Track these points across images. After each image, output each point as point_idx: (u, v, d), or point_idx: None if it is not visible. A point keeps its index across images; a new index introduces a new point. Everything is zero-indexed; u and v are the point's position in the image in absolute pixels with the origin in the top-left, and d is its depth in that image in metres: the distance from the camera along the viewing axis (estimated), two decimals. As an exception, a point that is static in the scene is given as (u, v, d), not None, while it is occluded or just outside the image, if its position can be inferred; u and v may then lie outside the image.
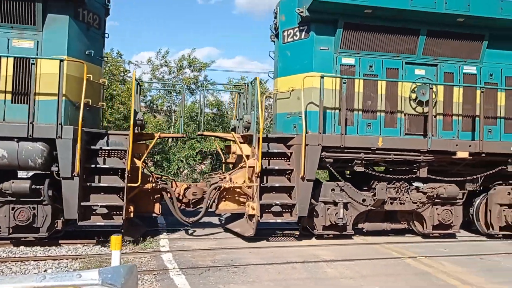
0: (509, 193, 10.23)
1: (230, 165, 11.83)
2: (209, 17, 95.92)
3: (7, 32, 8.27)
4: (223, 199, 9.72)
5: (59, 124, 7.94)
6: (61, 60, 8.03)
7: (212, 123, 19.93)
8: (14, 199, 8.06)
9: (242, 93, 10.95)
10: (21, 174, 8.94)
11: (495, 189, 10.30)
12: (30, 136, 7.81)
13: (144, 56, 32.34)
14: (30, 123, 7.86)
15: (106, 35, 9.64)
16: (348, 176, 11.13)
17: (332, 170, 9.22)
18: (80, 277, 3.64)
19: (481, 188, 10.40)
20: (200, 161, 19.63)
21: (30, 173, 8.88)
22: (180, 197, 9.53)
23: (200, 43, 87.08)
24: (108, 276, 3.75)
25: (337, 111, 9.51)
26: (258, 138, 8.87)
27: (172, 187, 9.45)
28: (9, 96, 8.20)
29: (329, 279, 6.80)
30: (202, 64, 21.71)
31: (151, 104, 21.35)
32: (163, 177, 9.78)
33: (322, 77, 9.04)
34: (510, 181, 10.35)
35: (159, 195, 9.30)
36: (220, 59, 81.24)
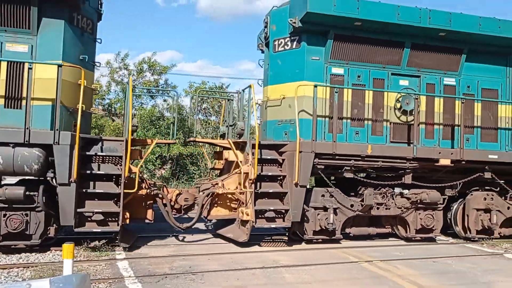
0: (485, 199, 10.81)
1: (217, 171, 11.95)
2: (171, 21, 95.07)
3: (1, 35, 8.13)
4: (215, 205, 9.83)
5: (57, 129, 7.85)
6: (59, 66, 7.95)
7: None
8: (6, 205, 7.89)
9: (232, 100, 11.09)
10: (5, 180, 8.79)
11: (472, 194, 10.86)
12: (26, 141, 7.69)
13: (102, 58, 31.81)
14: (27, 128, 7.74)
15: (99, 40, 9.59)
16: (333, 182, 11.46)
17: (324, 176, 9.49)
18: (30, 287, 3.68)
19: (458, 194, 10.94)
20: (159, 165, 19.51)
21: (12, 179, 8.69)
22: (172, 203, 9.56)
23: (162, 47, 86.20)
24: (60, 285, 3.81)
25: (327, 119, 9.83)
26: (254, 144, 9.05)
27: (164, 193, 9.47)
28: (2, 101, 8.04)
29: (288, 284, 6.82)
30: (162, 68, 21.60)
31: (109, 108, 21.07)
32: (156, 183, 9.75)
33: (315, 86, 9.33)
34: (486, 187, 10.94)
35: (151, 201, 9.30)
36: (182, 63, 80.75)
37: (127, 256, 8.11)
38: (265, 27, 10.81)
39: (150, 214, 9.25)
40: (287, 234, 10.54)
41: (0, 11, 8.05)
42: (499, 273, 7.89)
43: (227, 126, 11.11)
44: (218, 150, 11.64)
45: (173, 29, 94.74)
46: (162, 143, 11.15)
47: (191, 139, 10.79)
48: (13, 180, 8.78)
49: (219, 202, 9.86)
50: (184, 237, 10.12)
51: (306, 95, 9.63)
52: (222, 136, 11.18)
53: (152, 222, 9.33)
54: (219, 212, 9.89)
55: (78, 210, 8.01)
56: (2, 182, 8.70)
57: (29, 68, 7.84)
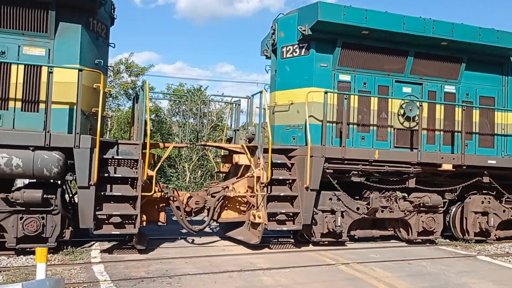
0: (482, 202, 11.24)
1: (222, 174, 12.12)
2: (149, 21, 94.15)
3: (18, 39, 8.17)
4: (225, 208, 10.00)
5: (77, 133, 7.92)
6: (80, 70, 8.03)
7: (151, 129, 19.59)
8: (23, 208, 7.92)
9: (239, 104, 11.28)
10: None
11: (470, 198, 11.26)
12: (47, 145, 7.74)
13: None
14: (47, 131, 7.79)
15: (112, 45, 9.68)
16: (336, 185, 11.74)
17: (332, 180, 9.75)
18: None
19: (457, 198, 11.34)
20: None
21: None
22: (183, 206, 9.68)
23: (139, 47, 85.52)
24: None
25: (334, 124, 10.11)
26: (266, 149, 9.28)
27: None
28: (19, 104, 8.09)
29: (265, 287, 6.86)
30: (140, 69, 21.54)
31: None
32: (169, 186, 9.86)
33: (325, 92, 9.59)
34: (484, 191, 11.37)
35: (164, 204, 9.42)
36: (160, 64, 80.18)
37: (103, 260, 8.01)
38: (273, 33, 11.03)
39: (162, 216, 9.37)
40: (291, 236, 10.79)
41: (18, 15, 8.09)
42: (472, 275, 8.07)
43: (234, 130, 11.29)
44: (223, 153, 11.78)
45: (150, 29, 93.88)
46: (179, 146, 11.23)
47: (202, 143, 10.93)
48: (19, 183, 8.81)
49: (229, 205, 10.04)
50: (193, 240, 10.26)
51: (315, 101, 9.89)
52: (229, 140, 11.35)
53: (165, 224, 9.45)
54: (229, 215, 10.06)
55: (97, 212, 8.09)
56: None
57: (49, 72, 7.88)
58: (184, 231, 11.00)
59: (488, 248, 10.76)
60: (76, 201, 8.89)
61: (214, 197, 10.01)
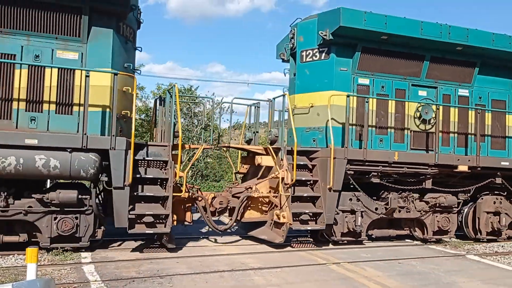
0: (494, 202, 11.57)
1: (240, 175, 12.35)
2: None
3: (51, 42, 8.35)
4: (248, 208, 10.24)
5: (113, 135, 8.12)
6: (115, 74, 8.23)
7: (140, 129, 19.53)
8: (58, 209, 8.11)
9: (259, 107, 11.52)
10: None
11: (482, 198, 11.59)
12: (84, 147, 7.93)
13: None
14: (84, 134, 7.98)
15: (139, 48, 9.88)
16: (351, 186, 12.01)
17: (353, 181, 10.02)
18: None
19: (469, 198, 11.66)
20: None
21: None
22: (207, 206, 9.90)
23: None
24: None
25: (353, 127, 10.39)
26: (288, 151, 9.53)
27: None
28: (53, 107, 8.27)
29: (256, 286, 6.87)
30: None
31: None
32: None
33: (348, 96, 9.87)
34: (495, 192, 11.70)
35: (189, 204, 9.64)
36: (151, 64, 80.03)
37: (93, 260, 8.01)
38: (292, 38, 11.28)
39: (189, 216, 9.58)
40: (308, 235, 11.05)
41: (52, 19, 8.28)
42: (461, 274, 8.17)
43: (253, 132, 11.52)
44: (241, 155, 12.01)
45: (141, 29, 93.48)
46: (209, 148, 11.45)
47: (225, 144, 11.16)
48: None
49: (251, 205, 10.28)
50: (216, 239, 10.48)
51: (335, 104, 10.15)
52: (248, 142, 11.58)
53: (191, 224, 9.66)
54: (251, 215, 10.29)
55: (131, 212, 8.30)
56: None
57: (86, 76, 8.07)
58: (205, 230, 11.27)
59: (477, 247, 10.95)
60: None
61: (237, 197, 10.25)
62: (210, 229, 11.18)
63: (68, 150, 7.88)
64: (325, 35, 10.22)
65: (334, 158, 9.57)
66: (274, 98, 11.03)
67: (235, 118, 36.80)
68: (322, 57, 10.60)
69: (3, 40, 8.06)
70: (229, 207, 10.17)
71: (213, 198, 10.00)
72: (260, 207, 10.39)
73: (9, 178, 7.74)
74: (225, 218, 11.64)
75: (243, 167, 11.99)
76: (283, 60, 12.19)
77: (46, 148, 7.80)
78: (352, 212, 10.16)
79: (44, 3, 8.16)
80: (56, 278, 6.65)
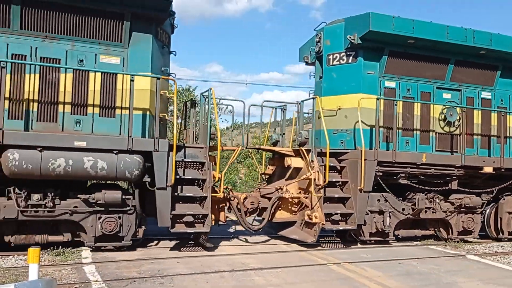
0: (516, 203, 11.82)
1: (265, 176, 12.60)
2: None
3: (95, 47, 8.61)
4: (279, 208, 10.49)
5: (156, 137, 8.38)
6: (158, 78, 8.49)
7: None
8: (103, 209, 8.36)
9: (285, 109, 11.78)
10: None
11: (504, 199, 11.83)
12: (129, 149, 8.18)
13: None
14: (130, 136, 8.23)
15: (174, 53, 10.14)
16: (385, 187, 12.16)
17: (382, 183, 10.27)
18: None
19: (492, 199, 11.90)
20: None
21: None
22: (241, 206, 10.15)
23: None
24: None
25: (381, 129, 10.63)
26: (319, 152, 9.79)
27: (231, 196, 10.06)
28: (97, 110, 8.53)
29: (257, 286, 6.88)
30: None
31: None
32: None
33: (377, 99, 10.13)
34: None
35: (223, 204, 9.89)
36: None
37: (94, 260, 8.02)
38: (318, 42, 11.54)
39: (223, 216, 9.83)
40: (334, 236, 11.30)
41: (95, 25, 8.54)
42: (461, 274, 8.17)
43: (280, 134, 11.79)
44: (263, 156, 12.25)
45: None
46: (251, 149, 11.72)
47: (256, 146, 11.41)
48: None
49: (282, 206, 10.53)
50: (247, 239, 10.72)
51: (363, 107, 10.40)
52: (274, 144, 11.83)
53: (225, 223, 9.90)
54: (282, 215, 10.55)
55: (173, 212, 8.54)
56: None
57: (131, 80, 8.33)
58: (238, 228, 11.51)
59: (477, 247, 11.02)
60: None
61: (266, 198, 10.51)
62: (236, 229, 11.46)
63: (114, 152, 8.13)
64: (353, 39, 10.48)
65: (364, 159, 9.82)
66: (302, 101, 11.31)
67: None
68: (350, 61, 10.86)
69: (49, 45, 8.32)
70: (259, 208, 10.43)
71: (245, 198, 10.26)
72: (289, 207, 10.65)
73: (57, 179, 7.99)
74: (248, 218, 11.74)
75: (268, 168, 12.24)
76: (307, 63, 12.47)
77: (93, 150, 8.05)
78: (380, 212, 10.40)
79: (88, 9, 8.41)
80: (57, 279, 6.64)
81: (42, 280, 4.26)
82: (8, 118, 7.82)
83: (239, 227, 11.53)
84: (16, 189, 7.86)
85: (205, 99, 10.03)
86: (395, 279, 7.59)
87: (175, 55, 10.17)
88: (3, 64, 7.65)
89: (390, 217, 10.47)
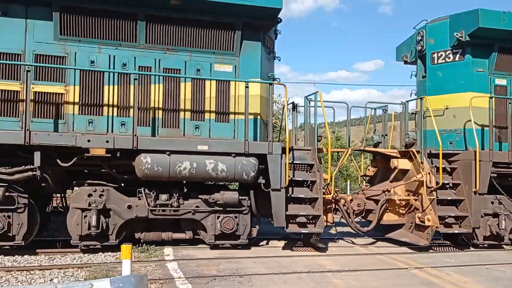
0: None
1: (366, 178, 12.52)
2: None
3: (210, 57, 9.14)
4: (386, 210, 10.39)
5: (270, 141, 8.72)
6: (270, 84, 8.86)
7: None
8: (221, 209, 8.82)
9: (387, 110, 11.68)
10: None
11: None
12: (246, 152, 8.60)
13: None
14: (246, 140, 8.65)
15: (278, 58, 10.47)
16: (499, 189, 11.51)
17: (496, 184, 9.83)
18: (92, 286, 3.83)
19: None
20: None
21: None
22: (349, 208, 10.19)
23: None
24: (120, 285, 3.97)
25: (493, 128, 10.18)
26: (429, 154, 9.61)
27: (337, 198, 10.14)
28: (213, 116, 9.04)
29: None
30: None
31: None
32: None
33: (491, 97, 9.77)
34: None
35: (331, 206, 9.99)
36: None
37: (176, 258, 8.25)
38: (420, 40, 11.33)
39: (330, 217, 9.93)
40: (442, 239, 10.93)
41: (210, 36, 9.07)
42: None
43: (382, 135, 11.69)
44: (362, 158, 12.19)
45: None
46: (357, 150, 11.88)
47: (361, 148, 11.44)
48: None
49: (389, 208, 10.42)
50: (352, 241, 10.72)
51: (473, 106, 10.03)
52: (376, 145, 11.73)
53: (333, 224, 10.00)
54: (389, 218, 10.44)
55: (287, 213, 8.81)
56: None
57: (246, 87, 8.76)
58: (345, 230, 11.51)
59: None
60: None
61: (372, 200, 10.46)
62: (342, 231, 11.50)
63: (233, 155, 8.57)
64: (461, 37, 10.19)
65: (479, 161, 9.47)
66: (407, 101, 11.13)
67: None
68: (457, 59, 10.57)
69: (170, 57, 8.98)
70: (365, 209, 10.41)
71: (351, 200, 10.29)
72: (397, 210, 10.50)
73: (182, 181, 8.56)
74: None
75: (368, 169, 12.16)
76: (406, 62, 12.31)
77: (213, 153, 8.54)
78: (495, 215, 9.95)
79: (203, 21, 8.97)
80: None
81: (135, 275, 4.43)
82: (138, 125, 8.52)
83: (339, 228, 11.59)
84: (146, 189, 8.54)
85: (309, 102, 10.23)
86: (483, 285, 7.19)
87: (279, 61, 10.49)
88: (135, 76, 8.38)
89: (505, 220, 9.99)
